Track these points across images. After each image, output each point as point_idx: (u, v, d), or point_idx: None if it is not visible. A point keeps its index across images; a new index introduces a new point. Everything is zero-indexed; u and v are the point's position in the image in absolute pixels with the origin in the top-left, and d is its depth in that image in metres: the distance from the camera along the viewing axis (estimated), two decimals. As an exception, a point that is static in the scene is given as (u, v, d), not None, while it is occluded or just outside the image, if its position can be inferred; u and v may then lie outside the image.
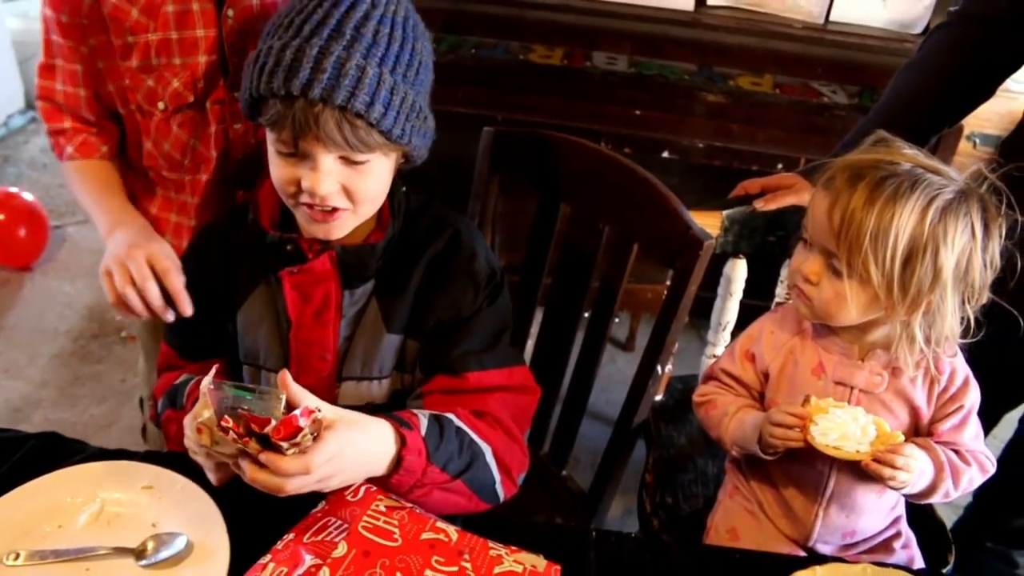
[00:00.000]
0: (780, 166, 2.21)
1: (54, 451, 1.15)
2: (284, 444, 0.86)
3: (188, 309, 1.16)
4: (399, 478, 0.98)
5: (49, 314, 2.90)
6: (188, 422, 0.96)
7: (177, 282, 1.17)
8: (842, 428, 1.07)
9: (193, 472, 1.06)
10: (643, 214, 1.38)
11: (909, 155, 1.08)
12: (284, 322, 1.17)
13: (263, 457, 0.87)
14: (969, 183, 1.06)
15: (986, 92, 1.52)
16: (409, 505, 0.95)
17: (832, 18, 2.32)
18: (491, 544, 0.93)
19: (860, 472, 1.13)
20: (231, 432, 0.87)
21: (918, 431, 1.18)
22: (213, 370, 0.91)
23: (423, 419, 1.04)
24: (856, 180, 1.06)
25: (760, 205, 1.50)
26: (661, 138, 2.24)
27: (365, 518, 0.91)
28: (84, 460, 1.11)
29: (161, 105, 1.31)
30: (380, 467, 0.97)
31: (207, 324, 1.20)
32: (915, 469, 1.08)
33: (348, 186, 1.05)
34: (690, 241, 1.30)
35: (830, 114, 2.20)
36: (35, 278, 3.06)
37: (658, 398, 1.71)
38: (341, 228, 1.10)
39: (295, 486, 0.89)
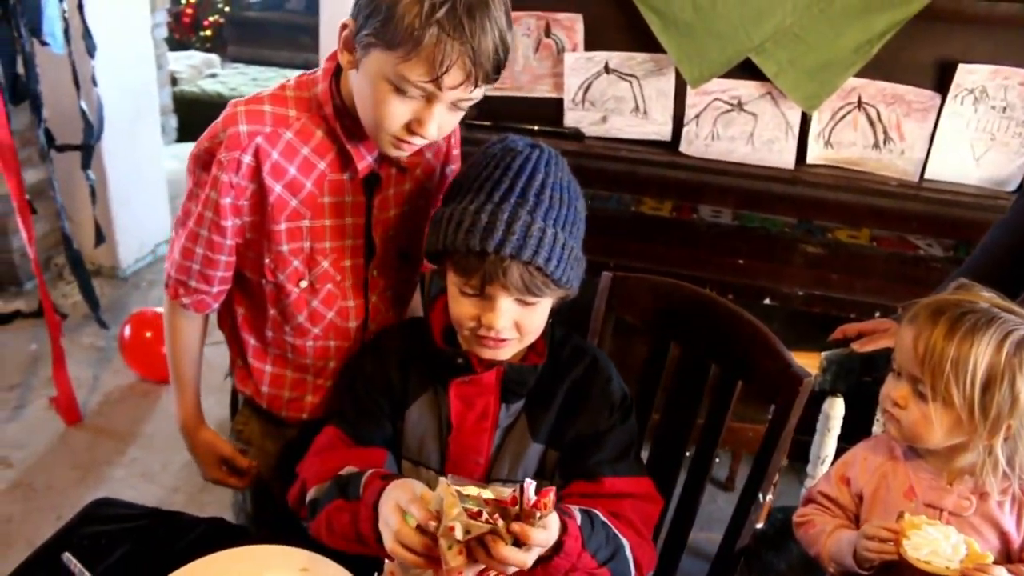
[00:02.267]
0: (877, 314, 2.28)
1: (222, 533, 1.32)
2: (537, 514, 1.01)
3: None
4: (559, 561, 1.11)
5: (182, 426, 3.13)
6: (398, 530, 1.07)
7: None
8: (933, 544, 1.16)
9: (343, 558, 1.21)
10: (747, 354, 1.51)
11: (986, 296, 1.22)
12: (445, 426, 1.34)
13: (517, 527, 1.00)
14: None
15: None
16: None
17: (927, 176, 2.46)
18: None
19: (954, 597, 1.20)
20: (484, 512, 1.01)
21: (1010, 557, 1.25)
22: (448, 477, 1.06)
23: (576, 511, 1.17)
24: (938, 315, 1.20)
25: (857, 347, 1.63)
26: (763, 286, 2.36)
27: None
28: (243, 543, 1.27)
29: (304, 283, 1.43)
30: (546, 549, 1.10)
31: (381, 416, 1.37)
32: None
33: (519, 321, 1.25)
34: (790, 378, 1.42)
35: (926, 266, 2.30)
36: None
37: (759, 526, 1.79)
38: (507, 353, 1.29)
39: (532, 559, 1.04)
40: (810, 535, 1.38)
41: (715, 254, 2.39)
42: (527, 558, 1.03)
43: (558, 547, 1.10)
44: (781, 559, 1.70)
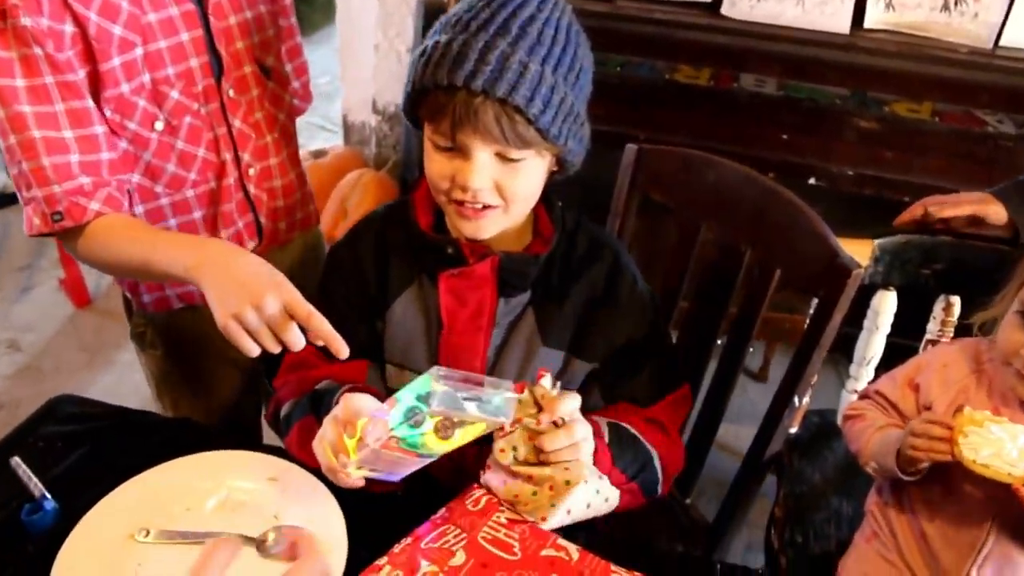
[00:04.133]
0: (938, 197, 2.09)
1: (187, 437, 1.19)
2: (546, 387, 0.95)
3: (344, 351, 1.01)
4: None
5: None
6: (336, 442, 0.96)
7: (325, 326, 1.01)
8: (996, 446, 0.98)
9: (317, 471, 1.07)
10: (788, 239, 1.33)
11: None
12: (435, 325, 1.17)
13: (546, 407, 0.95)
14: None
15: None
16: (531, 519, 0.93)
17: (1002, 43, 2.19)
18: (613, 568, 0.89)
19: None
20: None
21: None
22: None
23: (604, 427, 1.09)
24: None
25: (935, 210, 1.40)
26: (808, 164, 2.15)
27: (486, 528, 0.90)
28: (214, 448, 1.14)
29: (159, 125, 1.26)
30: None
31: (359, 321, 1.20)
32: None
33: (501, 183, 1.05)
34: (837, 269, 1.23)
35: (994, 144, 2.07)
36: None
37: (792, 431, 1.63)
38: (490, 227, 1.09)
39: (582, 432, 0.98)
40: (856, 429, 1.22)
41: (757, 128, 2.17)
42: (575, 432, 0.96)
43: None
44: (815, 468, 1.54)
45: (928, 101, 2.20)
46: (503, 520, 0.92)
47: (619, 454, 1.08)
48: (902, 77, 2.21)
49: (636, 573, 0.89)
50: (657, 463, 1.16)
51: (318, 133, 4.17)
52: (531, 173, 1.07)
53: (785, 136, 2.15)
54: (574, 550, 0.89)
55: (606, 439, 1.07)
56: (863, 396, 1.28)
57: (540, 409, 0.96)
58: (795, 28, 2.26)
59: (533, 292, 1.17)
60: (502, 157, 1.03)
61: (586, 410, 1.24)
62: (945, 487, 1.10)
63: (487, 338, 1.16)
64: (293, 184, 1.47)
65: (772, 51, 2.26)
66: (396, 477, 0.95)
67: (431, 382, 0.82)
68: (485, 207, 1.06)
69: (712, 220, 1.44)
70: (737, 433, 2.11)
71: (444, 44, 0.99)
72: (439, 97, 1.00)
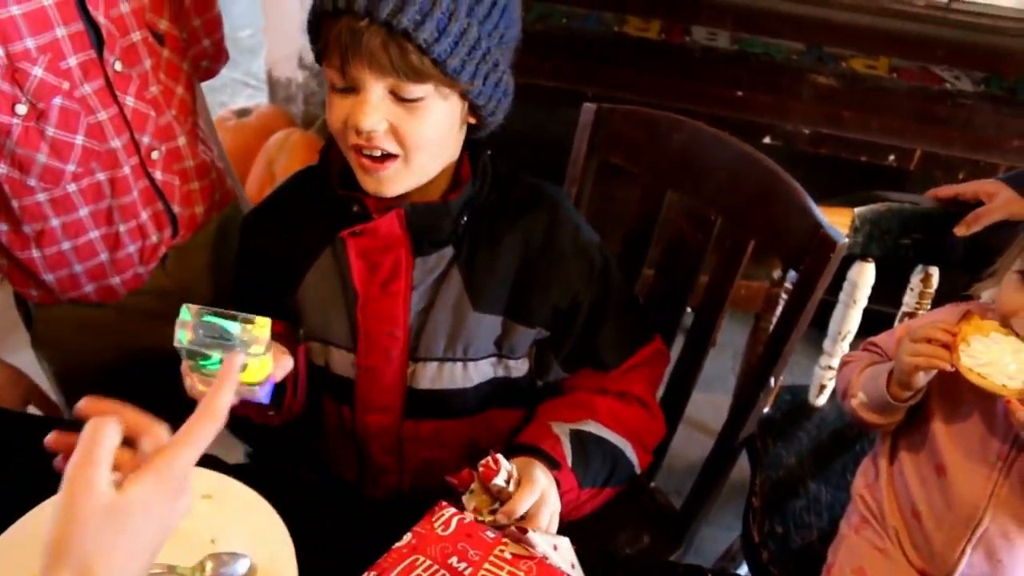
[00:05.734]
0: (892, 157, 2.01)
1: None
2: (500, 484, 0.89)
3: None
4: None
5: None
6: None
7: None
8: (996, 356, 0.95)
9: (258, 483, 0.95)
10: (764, 208, 1.23)
11: None
12: (351, 294, 1.05)
13: (505, 510, 0.88)
14: None
15: None
16: (539, 555, 0.81)
17: (958, -4, 2.12)
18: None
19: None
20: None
21: None
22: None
23: (566, 446, 1.02)
24: None
25: (962, 232, 1.30)
26: (763, 122, 2.04)
27: (486, 567, 0.78)
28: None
29: (21, 108, 1.05)
30: None
31: (267, 298, 1.09)
32: None
33: (397, 127, 0.92)
34: (821, 242, 1.14)
35: (952, 102, 2.00)
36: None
37: (765, 410, 1.56)
38: (392, 180, 0.97)
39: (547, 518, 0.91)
40: (846, 369, 1.21)
41: (709, 84, 2.05)
42: (541, 522, 0.90)
43: None
44: (790, 450, 1.47)
45: (884, 57, 2.13)
46: (507, 556, 0.79)
47: (584, 472, 1.03)
48: (858, 31, 2.15)
49: None
50: (630, 452, 1.11)
51: (241, 90, 3.93)
52: (432, 117, 0.93)
53: (740, 93, 2.05)
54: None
55: (569, 462, 1.01)
56: (863, 350, 1.25)
57: (494, 498, 0.91)
58: (747, -22, 2.16)
59: (458, 248, 1.05)
60: (396, 96, 0.91)
61: (545, 382, 1.17)
62: (940, 461, 1.04)
63: (406, 304, 1.05)
64: (206, 162, 1.30)
65: (724, 2, 2.17)
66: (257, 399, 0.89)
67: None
68: (385, 157, 0.95)
69: (678, 186, 1.34)
70: (691, 400, 2.03)
71: None
72: (330, 26, 0.89)
